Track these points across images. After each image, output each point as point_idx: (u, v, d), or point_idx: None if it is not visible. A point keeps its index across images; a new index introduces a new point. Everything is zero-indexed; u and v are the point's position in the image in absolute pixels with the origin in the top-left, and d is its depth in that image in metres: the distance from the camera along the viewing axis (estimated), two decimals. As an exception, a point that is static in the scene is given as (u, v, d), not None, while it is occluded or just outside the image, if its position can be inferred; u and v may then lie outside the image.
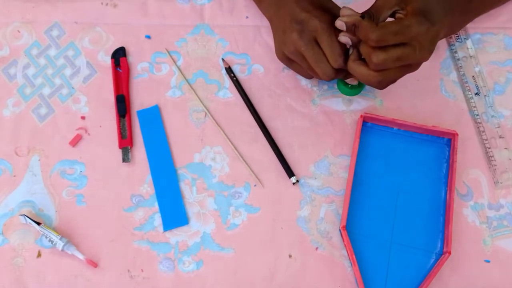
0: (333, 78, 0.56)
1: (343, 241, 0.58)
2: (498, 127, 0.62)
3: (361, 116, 0.61)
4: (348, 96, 0.64)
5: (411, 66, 0.53)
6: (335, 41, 0.53)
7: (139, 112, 0.64)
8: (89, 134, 0.64)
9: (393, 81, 0.54)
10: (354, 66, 0.53)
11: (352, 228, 0.58)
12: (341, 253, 0.59)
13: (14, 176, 0.62)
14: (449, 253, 0.56)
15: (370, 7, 0.53)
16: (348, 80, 0.60)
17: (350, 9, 0.53)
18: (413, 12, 0.50)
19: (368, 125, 0.63)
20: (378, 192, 0.60)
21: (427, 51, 0.52)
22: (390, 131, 0.63)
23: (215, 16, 0.68)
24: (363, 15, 0.51)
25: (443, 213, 0.59)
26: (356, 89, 0.61)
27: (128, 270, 0.58)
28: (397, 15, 0.52)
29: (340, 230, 0.58)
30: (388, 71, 0.52)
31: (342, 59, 0.54)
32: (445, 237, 0.57)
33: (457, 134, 0.60)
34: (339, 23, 0.52)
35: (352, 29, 0.52)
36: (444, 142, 0.62)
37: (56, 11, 0.68)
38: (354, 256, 0.56)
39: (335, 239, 0.59)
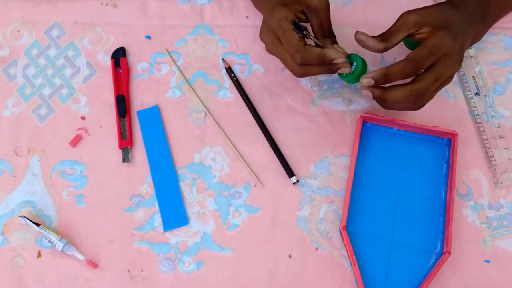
0: (302, 73, 0.55)
1: (343, 241, 0.58)
2: (498, 127, 0.62)
3: (361, 116, 0.61)
4: (350, 94, 0.64)
5: (446, 81, 0.54)
6: (290, 36, 0.53)
7: (139, 112, 0.64)
8: (89, 134, 0.64)
9: (430, 99, 0.55)
10: (392, 105, 0.54)
11: (352, 228, 0.58)
12: (341, 253, 0.59)
13: (14, 176, 0.62)
14: (449, 253, 0.56)
15: (386, 31, 0.54)
16: (339, 70, 0.56)
17: (363, 33, 0.53)
18: (435, 29, 0.51)
19: (368, 125, 0.63)
20: (378, 192, 0.60)
21: (457, 62, 0.53)
22: (390, 131, 0.63)
23: (215, 16, 0.68)
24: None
25: (443, 213, 0.59)
26: (351, 76, 0.56)
27: (128, 270, 0.58)
28: (417, 36, 0.53)
29: (340, 230, 0.58)
30: (427, 94, 0.53)
31: (299, 54, 0.53)
32: (445, 237, 0.57)
33: (457, 134, 0.60)
34: (366, 81, 0.53)
35: (382, 79, 0.52)
36: (444, 142, 0.62)
37: (56, 11, 0.68)
38: (354, 256, 0.56)
39: (335, 239, 0.59)
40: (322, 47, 0.54)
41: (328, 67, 0.55)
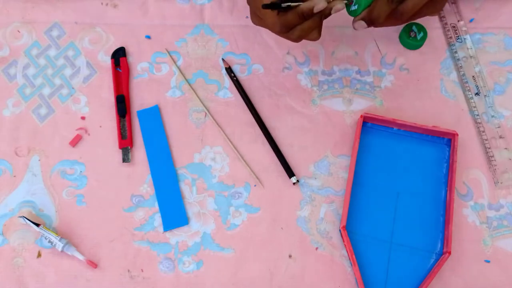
0: (298, 36, 0.52)
1: (343, 241, 0.58)
2: (498, 127, 0.62)
3: (361, 116, 0.61)
4: (350, 94, 0.64)
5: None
6: (268, 17, 0.51)
7: (139, 112, 0.64)
8: (89, 134, 0.64)
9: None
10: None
11: (352, 228, 0.58)
12: (341, 253, 0.59)
13: (14, 176, 0.62)
14: (449, 253, 0.56)
15: None
16: (332, 11, 0.51)
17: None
18: None
19: (368, 125, 0.63)
20: (378, 192, 0.60)
21: None
22: (390, 131, 0.63)
23: (215, 16, 0.68)
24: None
25: (443, 213, 0.59)
26: (361, 7, 0.52)
27: (128, 270, 0.58)
28: None
29: (340, 230, 0.58)
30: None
31: (277, 23, 0.51)
32: (445, 237, 0.57)
33: (457, 134, 0.60)
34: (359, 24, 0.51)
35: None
36: (444, 142, 0.62)
37: (56, 11, 0.68)
38: (354, 256, 0.56)
39: (335, 239, 0.59)
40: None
41: (319, 14, 0.51)
